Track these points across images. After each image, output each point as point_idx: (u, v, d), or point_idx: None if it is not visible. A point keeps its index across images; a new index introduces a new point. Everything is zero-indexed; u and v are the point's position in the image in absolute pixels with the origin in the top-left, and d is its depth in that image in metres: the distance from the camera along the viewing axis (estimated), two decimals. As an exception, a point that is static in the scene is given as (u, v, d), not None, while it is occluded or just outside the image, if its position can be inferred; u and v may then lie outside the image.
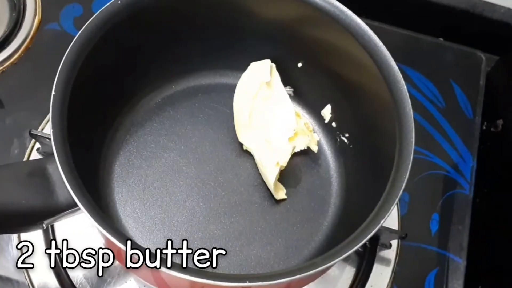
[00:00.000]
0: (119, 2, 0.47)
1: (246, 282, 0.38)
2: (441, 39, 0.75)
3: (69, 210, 0.42)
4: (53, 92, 0.43)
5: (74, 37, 0.46)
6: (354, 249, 0.40)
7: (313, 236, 0.54)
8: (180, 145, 0.57)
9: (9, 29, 0.63)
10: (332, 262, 0.40)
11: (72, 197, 0.39)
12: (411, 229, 0.60)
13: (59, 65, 0.44)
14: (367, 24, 0.48)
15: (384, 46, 0.47)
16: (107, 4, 0.47)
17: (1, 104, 0.62)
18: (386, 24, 0.73)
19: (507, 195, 0.69)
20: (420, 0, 0.73)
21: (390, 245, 0.58)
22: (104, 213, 0.43)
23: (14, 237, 0.56)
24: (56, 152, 0.41)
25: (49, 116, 0.42)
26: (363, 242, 0.40)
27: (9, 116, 0.62)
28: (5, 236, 0.57)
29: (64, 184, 0.40)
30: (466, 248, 0.63)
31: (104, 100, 0.53)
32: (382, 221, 0.41)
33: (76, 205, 0.40)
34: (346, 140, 0.57)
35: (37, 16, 0.66)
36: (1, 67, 0.63)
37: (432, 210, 0.64)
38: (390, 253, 0.58)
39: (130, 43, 0.52)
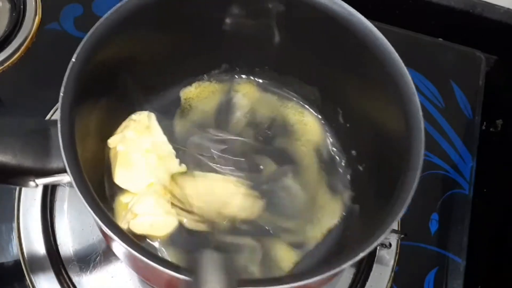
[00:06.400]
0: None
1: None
2: (440, 39, 0.75)
3: (60, 175, 0.42)
4: (72, 59, 0.43)
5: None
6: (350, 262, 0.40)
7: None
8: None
9: (9, 29, 0.63)
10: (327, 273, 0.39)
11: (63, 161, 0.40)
12: (410, 228, 0.60)
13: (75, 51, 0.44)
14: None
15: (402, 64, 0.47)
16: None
17: (1, 103, 0.62)
18: (386, 24, 0.73)
19: (507, 195, 0.69)
20: (420, 0, 0.73)
21: (390, 245, 0.58)
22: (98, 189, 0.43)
23: (15, 236, 0.56)
24: (61, 114, 0.41)
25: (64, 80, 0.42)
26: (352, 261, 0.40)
27: (9, 116, 0.62)
28: (5, 236, 0.57)
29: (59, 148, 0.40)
30: (465, 248, 0.63)
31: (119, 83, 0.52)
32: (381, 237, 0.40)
33: (66, 171, 0.40)
34: (361, 169, 0.56)
35: (37, 16, 0.66)
36: (1, 67, 0.63)
37: (431, 210, 0.64)
38: (390, 253, 0.58)
39: (148, 38, 0.51)
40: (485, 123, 0.73)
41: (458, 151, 0.68)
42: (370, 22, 0.49)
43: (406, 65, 0.47)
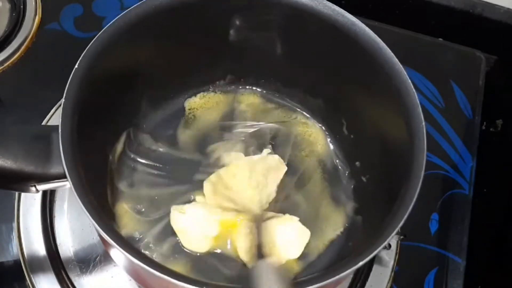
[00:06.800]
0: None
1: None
2: (441, 39, 0.75)
3: (61, 180, 0.42)
4: (76, 66, 0.43)
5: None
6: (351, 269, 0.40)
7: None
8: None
9: (9, 29, 0.63)
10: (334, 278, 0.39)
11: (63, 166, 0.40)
12: (410, 229, 0.60)
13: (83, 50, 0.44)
14: (366, 24, 0.48)
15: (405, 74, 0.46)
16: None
17: (1, 103, 0.62)
18: (386, 24, 0.73)
19: (507, 195, 0.69)
20: (420, 0, 0.73)
21: (390, 246, 0.58)
22: (98, 197, 0.43)
23: (15, 236, 0.56)
24: (62, 120, 0.41)
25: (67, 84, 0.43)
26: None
27: (9, 116, 0.62)
28: (5, 236, 0.57)
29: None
30: (465, 248, 0.64)
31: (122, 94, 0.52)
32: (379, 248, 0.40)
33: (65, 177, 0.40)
34: (365, 180, 0.56)
35: (37, 16, 0.66)
36: (1, 67, 0.63)
37: (431, 210, 0.65)
38: (390, 253, 0.58)
39: (153, 48, 0.51)
40: (485, 123, 0.73)
41: (458, 151, 0.68)
42: (370, 22, 0.49)
43: (406, 65, 0.47)
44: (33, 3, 0.66)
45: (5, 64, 0.63)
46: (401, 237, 0.56)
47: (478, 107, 0.71)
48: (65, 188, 0.45)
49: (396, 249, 0.58)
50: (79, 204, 0.39)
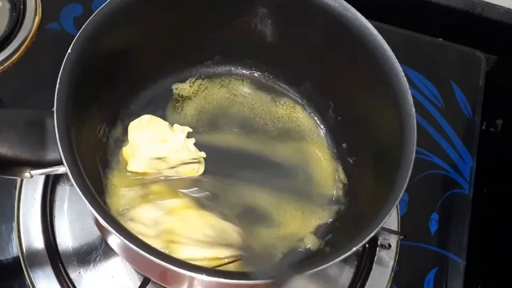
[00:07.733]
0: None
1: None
2: (440, 39, 0.75)
3: (55, 167, 0.43)
4: (69, 51, 0.44)
5: (75, 36, 0.46)
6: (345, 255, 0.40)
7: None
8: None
9: (9, 29, 0.63)
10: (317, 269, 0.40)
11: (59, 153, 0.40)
12: (410, 229, 0.60)
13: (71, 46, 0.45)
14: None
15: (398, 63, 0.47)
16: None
17: (1, 103, 0.62)
18: (386, 24, 0.73)
19: (506, 195, 0.69)
20: (420, 0, 0.73)
21: (390, 246, 0.58)
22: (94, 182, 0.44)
23: (15, 237, 0.56)
24: (57, 105, 0.41)
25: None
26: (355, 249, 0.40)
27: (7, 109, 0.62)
28: (5, 236, 0.57)
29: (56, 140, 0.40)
30: (465, 248, 0.64)
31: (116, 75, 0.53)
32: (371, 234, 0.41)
33: (62, 163, 0.40)
34: (351, 162, 0.57)
35: (37, 16, 0.66)
36: (1, 67, 0.63)
37: (431, 210, 0.65)
38: (390, 253, 0.58)
39: (142, 29, 0.52)
40: (485, 123, 0.73)
41: (458, 151, 0.68)
42: (370, 22, 0.49)
43: (406, 65, 0.47)
44: (33, 3, 0.66)
45: (5, 64, 0.63)
46: (401, 237, 0.56)
47: (478, 107, 0.71)
48: (64, 187, 0.45)
49: (396, 249, 0.59)
50: (76, 189, 0.39)
